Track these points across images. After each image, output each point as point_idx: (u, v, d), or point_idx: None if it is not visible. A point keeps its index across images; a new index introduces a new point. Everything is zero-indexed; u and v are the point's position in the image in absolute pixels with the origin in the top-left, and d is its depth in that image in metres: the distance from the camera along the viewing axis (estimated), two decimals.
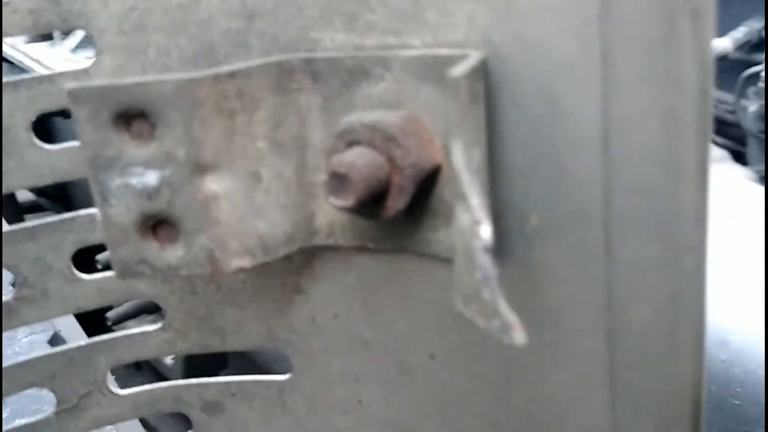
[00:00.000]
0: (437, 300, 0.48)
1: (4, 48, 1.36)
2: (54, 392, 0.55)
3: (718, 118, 1.57)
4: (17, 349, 0.92)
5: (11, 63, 1.32)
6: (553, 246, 0.43)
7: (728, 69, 1.51)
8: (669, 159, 0.37)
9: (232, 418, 0.57)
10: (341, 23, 0.45)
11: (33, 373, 0.54)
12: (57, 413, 0.56)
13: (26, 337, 0.92)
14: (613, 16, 0.36)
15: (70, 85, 0.44)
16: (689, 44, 0.35)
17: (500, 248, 0.45)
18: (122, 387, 0.58)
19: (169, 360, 1.37)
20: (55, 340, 0.95)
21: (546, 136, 0.40)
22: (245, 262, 0.47)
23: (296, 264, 0.52)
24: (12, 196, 1.38)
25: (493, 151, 0.43)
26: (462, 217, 0.38)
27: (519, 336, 0.37)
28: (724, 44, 1.46)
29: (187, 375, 1.18)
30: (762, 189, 1.11)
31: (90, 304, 0.54)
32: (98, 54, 0.49)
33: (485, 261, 0.37)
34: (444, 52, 0.42)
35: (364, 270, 0.51)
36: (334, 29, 0.45)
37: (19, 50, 1.35)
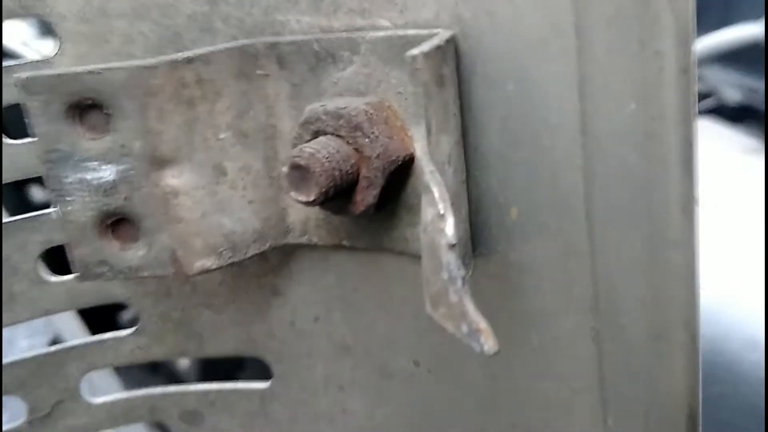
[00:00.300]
0: (417, 302, 0.44)
1: (16, 46, 1.35)
2: (25, 400, 0.53)
3: (753, 109, 1.51)
4: (16, 352, 0.89)
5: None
6: (535, 240, 0.39)
7: (762, 57, 1.44)
8: (649, 143, 0.33)
9: (213, 428, 0.54)
10: (307, 4, 0.41)
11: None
12: (29, 422, 0.53)
13: (25, 339, 0.90)
14: None
15: (20, 74, 0.42)
16: (666, 16, 0.31)
17: (481, 243, 0.41)
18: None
19: (184, 362, 1.34)
20: (56, 343, 0.92)
21: (522, 118, 0.37)
22: (211, 262, 0.44)
23: (272, 264, 0.49)
24: (23, 194, 1.37)
25: (470, 136, 0.39)
26: (426, 211, 0.34)
27: (489, 343, 0.33)
28: (756, 30, 1.40)
29: (203, 377, 1.16)
30: None
31: (60, 307, 0.51)
32: (60, 42, 0.46)
33: (451, 259, 0.33)
34: (412, 32, 0.38)
35: (342, 270, 0.47)
36: (300, 10, 0.42)
37: (31, 48, 1.34)
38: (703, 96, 1.66)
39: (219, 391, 0.53)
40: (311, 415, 0.52)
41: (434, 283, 0.34)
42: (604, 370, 0.39)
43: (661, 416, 0.37)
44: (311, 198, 0.38)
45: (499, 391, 0.44)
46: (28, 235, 0.49)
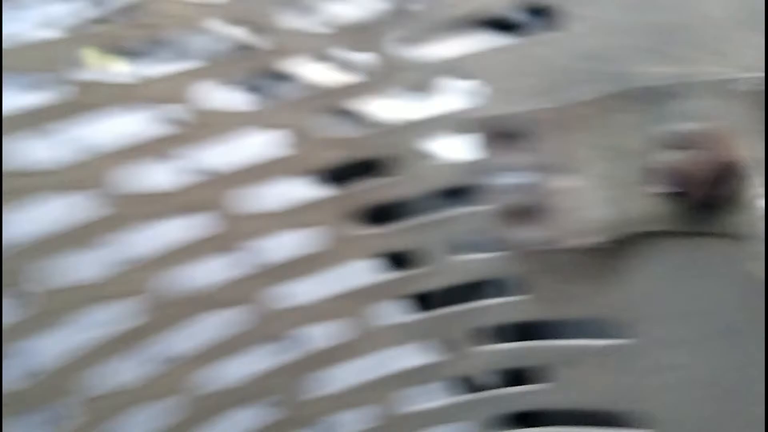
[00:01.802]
0: (737, 276, 0.60)
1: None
2: (428, 346, 0.73)
3: None
4: None
5: None
6: None
7: None
8: None
9: (583, 375, 0.72)
10: (653, 58, 0.60)
11: (407, 332, 0.73)
12: (434, 362, 0.74)
13: None
14: None
15: (468, 115, 0.65)
16: None
17: None
18: None
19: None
20: None
21: None
22: (580, 241, 0.63)
23: (620, 247, 0.66)
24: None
25: None
26: (748, 194, 0.51)
27: None
28: None
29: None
30: None
31: (467, 277, 0.73)
32: (485, 95, 0.67)
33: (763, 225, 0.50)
34: (735, 74, 0.55)
35: (673, 251, 0.64)
36: (649, 63, 0.60)
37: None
38: None
39: (578, 348, 0.71)
40: (661, 367, 0.68)
41: (753, 246, 0.51)
42: None
43: None
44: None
45: None
46: (454, 225, 0.71)
